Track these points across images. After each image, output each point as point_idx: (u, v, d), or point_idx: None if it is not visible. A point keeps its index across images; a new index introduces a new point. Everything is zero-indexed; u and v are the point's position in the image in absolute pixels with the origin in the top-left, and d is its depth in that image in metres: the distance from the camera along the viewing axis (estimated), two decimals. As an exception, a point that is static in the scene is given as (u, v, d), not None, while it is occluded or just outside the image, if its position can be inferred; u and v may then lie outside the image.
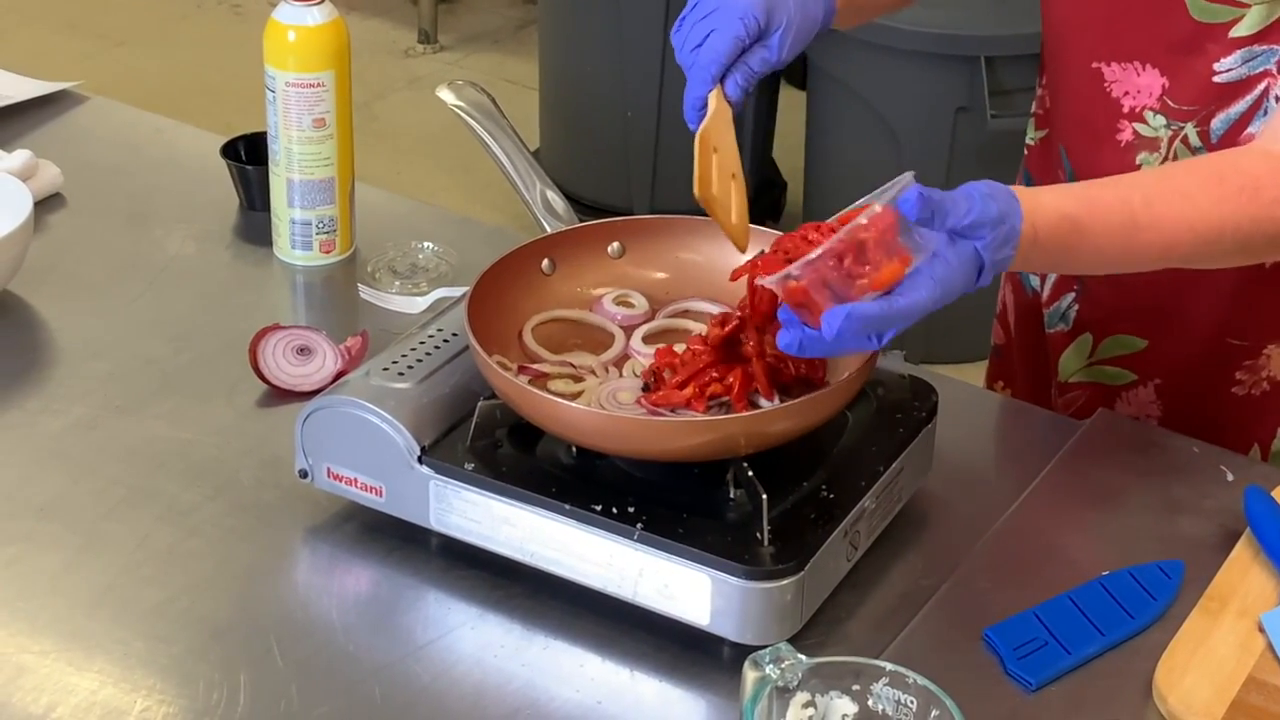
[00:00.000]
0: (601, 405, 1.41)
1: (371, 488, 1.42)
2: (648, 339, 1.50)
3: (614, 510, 1.33)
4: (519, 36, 4.95)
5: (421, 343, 1.47)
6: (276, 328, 1.64)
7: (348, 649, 1.35)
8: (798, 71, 4.15)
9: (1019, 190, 1.31)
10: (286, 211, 1.82)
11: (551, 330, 1.51)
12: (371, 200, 1.91)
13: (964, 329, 3.19)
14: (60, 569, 1.42)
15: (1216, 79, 1.52)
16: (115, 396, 1.62)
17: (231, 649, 1.34)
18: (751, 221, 1.47)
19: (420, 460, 1.39)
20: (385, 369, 1.43)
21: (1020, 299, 1.81)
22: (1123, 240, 1.36)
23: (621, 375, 1.47)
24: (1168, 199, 1.37)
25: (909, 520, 1.47)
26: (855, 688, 1.18)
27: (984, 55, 3.31)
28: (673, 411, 1.39)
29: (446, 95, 1.63)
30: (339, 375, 1.60)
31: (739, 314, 1.40)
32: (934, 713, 1.15)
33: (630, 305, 1.54)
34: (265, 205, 1.86)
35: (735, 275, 1.39)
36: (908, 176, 1.27)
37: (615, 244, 1.56)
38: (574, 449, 1.40)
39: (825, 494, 1.37)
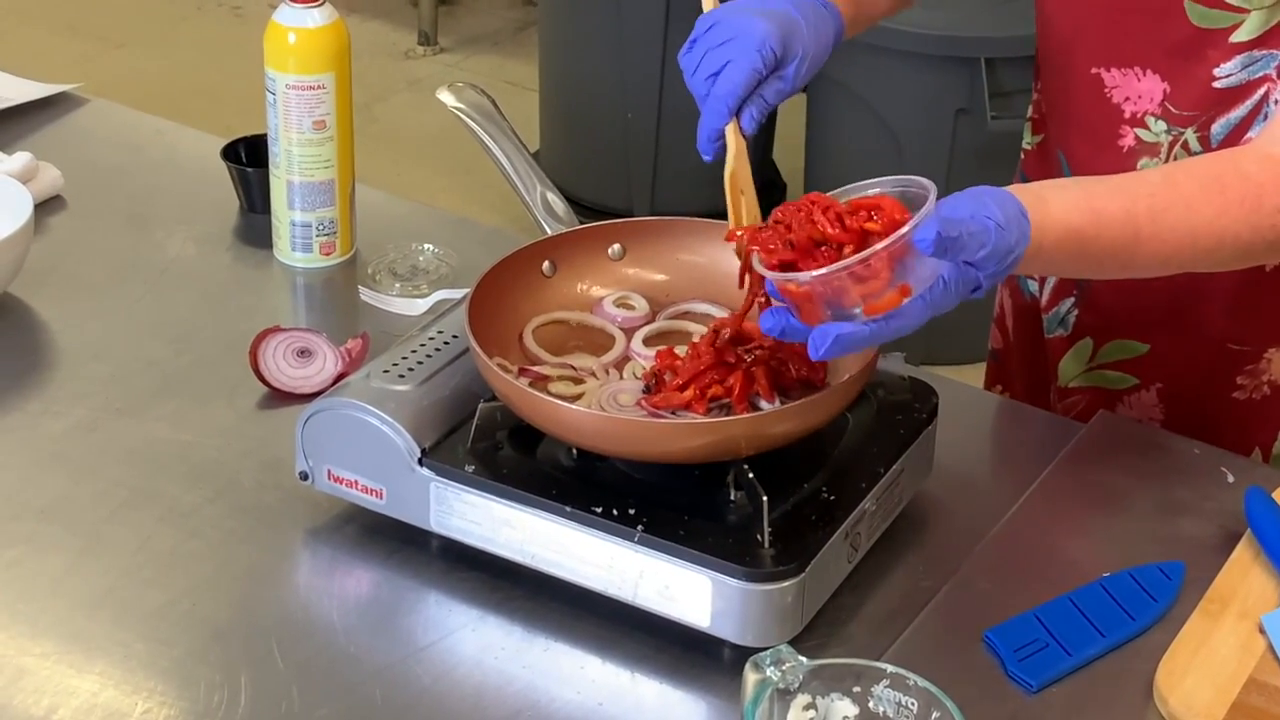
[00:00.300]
0: (602, 407, 1.41)
1: (372, 490, 1.42)
2: (648, 341, 1.51)
3: (614, 512, 1.33)
4: (519, 38, 4.95)
5: (422, 345, 1.47)
6: (277, 330, 1.64)
7: (348, 651, 1.35)
8: (798, 73, 4.15)
9: (1027, 200, 1.29)
10: (287, 213, 1.82)
11: (552, 332, 1.51)
12: (372, 202, 1.91)
13: (964, 331, 3.19)
14: (61, 571, 1.42)
15: (1216, 84, 1.52)
16: (116, 399, 1.62)
17: (232, 651, 1.34)
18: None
19: (421, 462, 1.39)
20: (386, 371, 1.43)
21: (1018, 303, 1.81)
22: (1125, 252, 1.36)
23: (622, 377, 1.47)
24: (1171, 210, 1.36)
25: (909, 522, 1.47)
26: (856, 690, 1.18)
27: (984, 57, 3.31)
28: (673, 413, 1.39)
29: (447, 97, 1.63)
30: (339, 377, 1.60)
31: (730, 325, 1.40)
32: (935, 715, 1.15)
33: (631, 307, 1.54)
34: (265, 207, 1.86)
35: (730, 236, 1.37)
36: (931, 199, 1.24)
37: (616, 246, 1.56)
38: (574, 451, 1.40)
39: (826, 496, 1.37)
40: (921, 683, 1.16)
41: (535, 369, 1.46)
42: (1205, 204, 1.37)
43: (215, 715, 1.28)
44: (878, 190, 1.30)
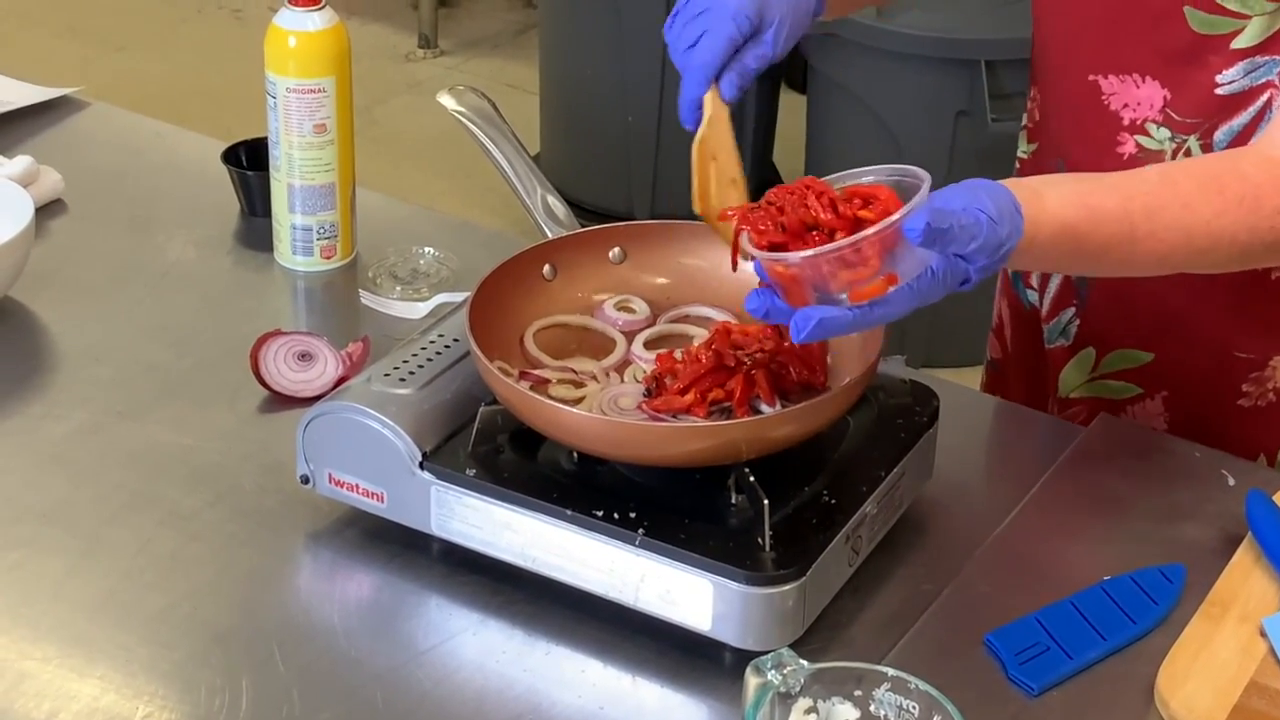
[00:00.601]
0: (603, 411, 1.41)
1: (373, 493, 1.42)
2: (649, 344, 1.50)
3: (615, 516, 1.33)
4: (519, 41, 4.95)
5: (423, 348, 1.47)
6: (278, 333, 1.64)
7: (349, 654, 1.35)
8: (798, 75, 4.16)
9: (1022, 195, 1.29)
10: (287, 217, 1.82)
11: (553, 336, 1.51)
12: (372, 205, 1.91)
13: (965, 333, 3.20)
14: (62, 574, 1.42)
15: (1219, 91, 1.52)
16: (117, 402, 1.62)
17: (233, 654, 1.34)
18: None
19: (422, 466, 1.39)
20: (386, 375, 1.43)
21: (1018, 313, 1.80)
22: (1120, 251, 1.35)
23: (623, 381, 1.47)
24: (1168, 209, 1.36)
25: (910, 525, 1.47)
26: (857, 693, 1.18)
27: (984, 59, 3.31)
28: (674, 417, 1.39)
29: (447, 101, 1.63)
30: (340, 381, 1.60)
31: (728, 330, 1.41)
32: (936, 718, 1.15)
33: (631, 310, 1.54)
34: (266, 211, 1.86)
35: (723, 216, 1.37)
36: (924, 189, 1.24)
37: (616, 249, 1.56)
38: (575, 454, 1.40)
39: (827, 499, 1.37)
40: (923, 686, 1.16)
41: (536, 372, 1.46)
42: (1203, 204, 1.37)
43: (216, 719, 1.28)
44: (873, 179, 1.30)
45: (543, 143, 4.07)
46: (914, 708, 1.16)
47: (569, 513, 1.34)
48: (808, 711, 1.17)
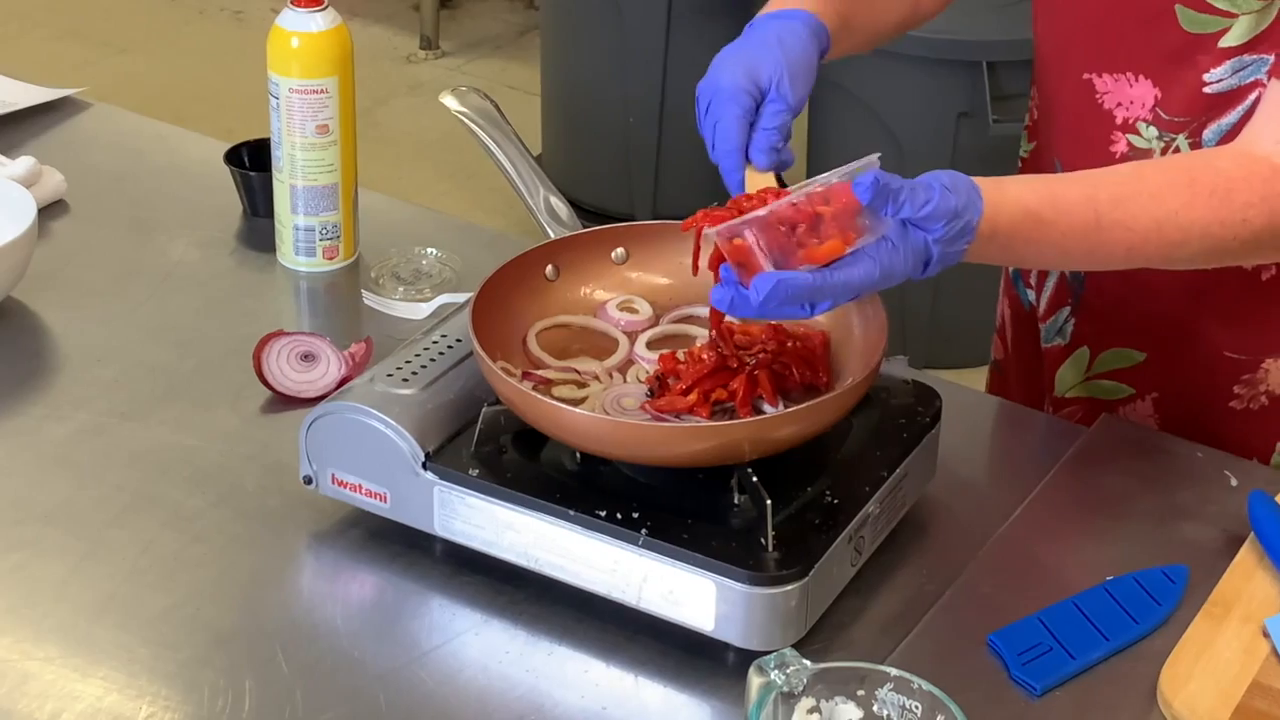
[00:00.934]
0: (606, 411, 1.41)
1: (376, 494, 1.42)
2: (652, 345, 1.51)
3: (618, 516, 1.33)
4: (521, 42, 4.95)
5: (425, 349, 1.47)
6: (280, 334, 1.64)
7: (352, 655, 1.35)
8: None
9: (983, 182, 1.31)
10: (290, 218, 1.82)
11: (555, 336, 1.51)
12: (374, 206, 1.91)
13: (966, 334, 3.20)
14: (65, 575, 1.42)
15: (1207, 89, 1.52)
16: (119, 403, 1.62)
17: (236, 655, 1.34)
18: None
19: (425, 466, 1.39)
20: (389, 375, 1.44)
21: (1017, 313, 1.80)
22: (1086, 239, 1.36)
23: (626, 381, 1.47)
24: (1135, 198, 1.37)
25: (913, 526, 1.47)
26: (860, 693, 1.18)
27: (986, 60, 3.31)
28: (677, 417, 1.39)
29: (450, 102, 1.64)
30: (343, 381, 1.60)
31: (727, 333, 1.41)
32: (939, 718, 1.15)
33: (634, 311, 1.54)
34: (268, 211, 1.86)
35: (685, 226, 1.38)
36: (872, 158, 1.26)
37: (619, 250, 1.56)
38: (578, 455, 1.40)
39: (829, 500, 1.37)
40: (926, 686, 1.16)
41: (539, 373, 1.46)
42: (1172, 195, 1.37)
43: (219, 719, 1.28)
44: (838, 179, 1.30)
45: (544, 144, 4.07)
46: (917, 708, 1.16)
47: (572, 513, 1.34)
48: (810, 711, 1.17)
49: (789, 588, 1.30)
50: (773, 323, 1.43)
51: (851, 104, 3.48)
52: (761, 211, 1.25)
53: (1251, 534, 1.43)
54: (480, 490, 1.37)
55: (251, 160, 1.93)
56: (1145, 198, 1.37)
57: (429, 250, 1.84)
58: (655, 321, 1.54)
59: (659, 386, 1.42)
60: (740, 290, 1.27)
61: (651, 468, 1.38)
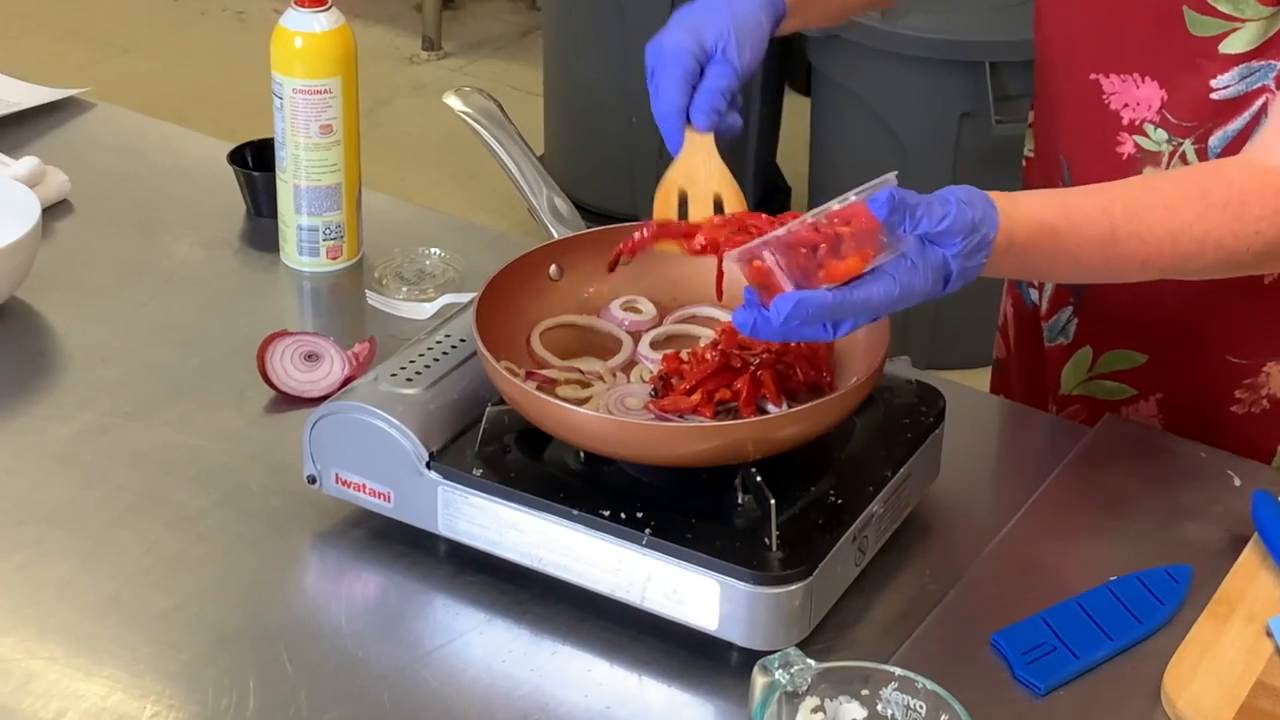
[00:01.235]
0: (610, 411, 1.41)
1: (380, 493, 1.42)
2: (655, 344, 1.51)
3: (622, 516, 1.33)
4: (523, 43, 4.95)
5: (429, 348, 1.47)
6: (284, 334, 1.64)
7: (356, 654, 1.35)
8: (802, 78, 4.16)
9: (998, 196, 1.30)
10: (294, 218, 1.82)
11: (559, 336, 1.51)
12: (378, 206, 1.91)
13: (969, 335, 3.20)
14: (69, 575, 1.42)
15: (1214, 95, 1.51)
16: (123, 403, 1.62)
17: (240, 655, 1.34)
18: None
19: (428, 466, 1.39)
20: (393, 375, 1.44)
21: (1020, 312, 1.80)
22: (1101, 251, 1.35)
23: (629, 381, 1.47)
24: (1150, 211, 1.36)
25: (916, 525, 1.47)
26: (864, 692, 1.18)
27: (988, 61, 3.31)
28: (681, 417, 1.39)
29: (454, 102, 1.64)
30: (347, 381, 1.61)
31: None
32: (943, 717, 1.15)
33: (638, 311, 1.54)
34: (272, 211, 1.86)
35: (702, 251, 1.37)
36: (890, 176, 1.26)
37: (623, 250, 1.56)
38: (582, 454, 1.40)
39: (833, 499, 1.37)
40: (930, 685, 1.16)
41: (543, 373, 1.46)
42: (1186, 207, 1.37)
43: (223, 719, 1.28)
44: (855, 198, 1.30)
45: (546, 144, 4.07)
46: (921, 707, 1.16)
47: (576, 512, 1.34)
48: (814, 710, 1.17)
49: (793, 587, 1.30)
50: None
51: (854, 105, 3.48)
52: (780, 231, 1.25)
53: (1255, 534, 1.43)
54: (484, 490, 1.37)
55: (255, 160, 1.93)
56: (1160, 210, 1.36)
57: (432, 250, 1.84)
58: (659, 321, 1.54)
59: (663, 386, 1.42)
60: (762, 312, 1.26)
61: (655, 467, 1.38)
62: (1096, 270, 1.40)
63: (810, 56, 3.59)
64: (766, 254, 1.25)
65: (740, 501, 1.36)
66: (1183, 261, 1.38)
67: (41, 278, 1.77)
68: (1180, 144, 1.54)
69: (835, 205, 1.26)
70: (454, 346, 1.48)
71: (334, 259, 1.84)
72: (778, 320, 1.24)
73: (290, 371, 1.63)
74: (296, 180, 1.80)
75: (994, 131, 3.30)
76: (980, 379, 1.93)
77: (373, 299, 1.79)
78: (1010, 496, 1.51)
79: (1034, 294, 1.76)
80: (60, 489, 1.51)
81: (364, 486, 1.43)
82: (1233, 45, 1.49)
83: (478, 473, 1.38)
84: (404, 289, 1.80)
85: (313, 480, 1.45)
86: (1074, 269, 1.41)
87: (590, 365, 1.48)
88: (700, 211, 1.43)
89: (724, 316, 1.52)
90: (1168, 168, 1.55)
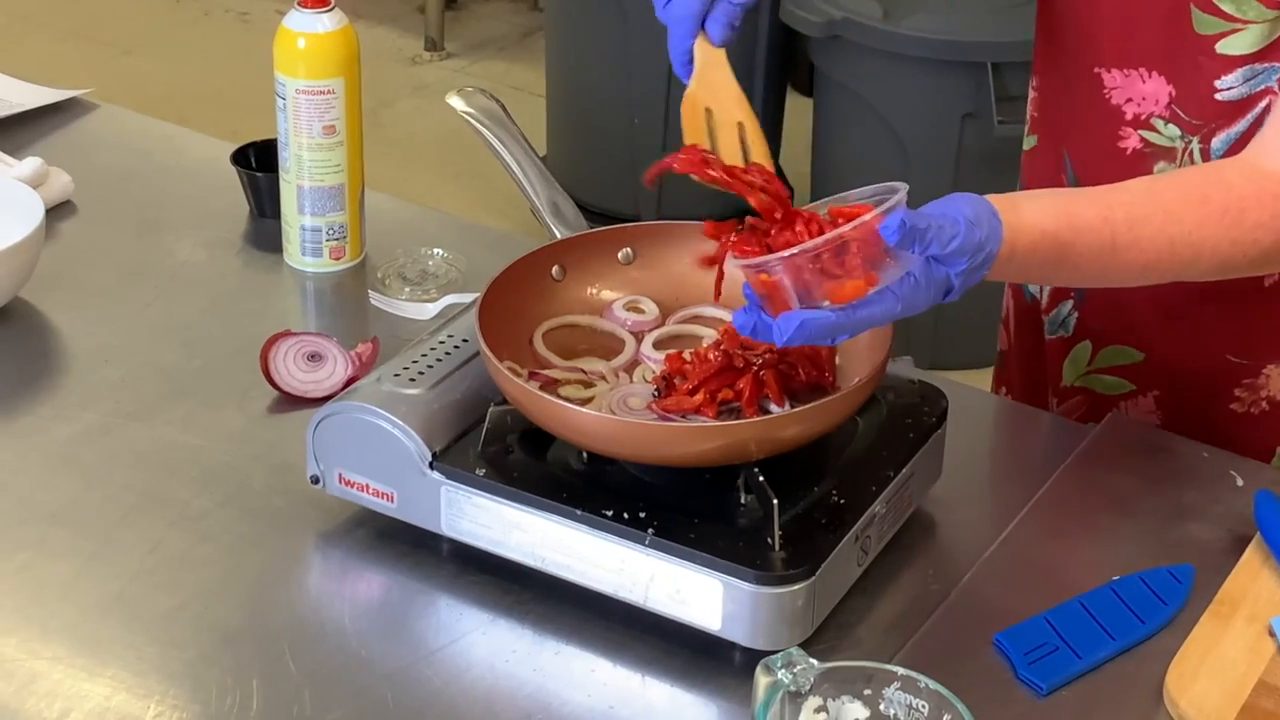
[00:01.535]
0: (612, 410, 1.41)
1: (383, 493, 1.42)
2: (658, 345, 1.51)
3: (625, 516, 1.33)
4: (525, 43, 4.95)
5: (432, 349, 1.48)
6: (287, 334, 1.64)
7: (359, 654, 1.35)
8: (804, 78, 4.16)
9: (999, 202, 1.30)
10: (297, 218, 1.82)
11: (562, 336, 1.52)
12: (380, 207, 1.91)
13: (971, 335, 3.20)
14: (72, 575, 1.42)
15: (1219, 96, 1.52)
16: (126, 403, 1.62)
17: (243, 654, 1.34)
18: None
19: (431, 466, 1.39)
20: (396, 375, 1.44)
21: (1020, 304, 1.80)
22: (1101, 260, 1.35)
23: (632, 381, 1.47)
24: (1151, 219, 1.36)
25: (919, 525, 1.47)
26: (867, 692, 1.18)
27: (990, 61, 3.31)
28: (683, 417, 1.39)
29: (456, 102, 1.64)
30: (350, 381, 1.61)
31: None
32: (946, 717, 1.15)
33: (640, 311, 1.54)
34: (275, 212, 1.86)
35: (715, 255, 1.35)
36: (901, 194, 1.25)
37: (626, 250, 1.57)
38: (585, 454, 1.40)
39: (836, 499, 1.37)
40: (932, 685, 1.16)
41: (545, 373, 1.46)
42: (1186, 214, 1.37)
43: (227, 718, 1.29)
44: (856, 199, 1.30)
45: (549, 145, 4.07)
46: (924, 707, 1.16)
47: (578, 512, 1.34)
48: (817, 710, 1.17)
49: (795, 587, 1.30)
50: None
51: (856, 105, 3.48)
52: (792, 251, 1.25)
53: (1257, 534, 1.43)
54: (487, 490, 1.37)
55: (258, 161, 1.93)
56: (1161, 217, 1.36)
57: (435, 251, 1.84)
58: (662, 321, 1.54)
59: (665, 386, 1.42)
60: (763, 318, 1.27)
61: (658, 467, 1.38)
62: (1095, 276, 1.40)
63: (812, 57, 3.59)
64: (775, 270, 1.25)
65: (743, 501, 1.36)
66: (1181, 267, 1.38)
67: (45, 278, 1.78)
68: (1190, 141, 1.54)
69: (849, 228, 1.24)
70: (457, 347, 1.48)
71: (337, 259, 1.84)
72: (781, 338, 1.25)
73: (293, 372, 1.63)
74: (299, 181, 1.80)
75: (996, 132, 3.30)
76: (982, 379, 1.93)
77: (376, 299, 1.79)
78: (1012, 496, 1.51)
79: (1034, 288, 1.76)
80: (63, 489, 1.52)
81: (367, 486, 1.43)
82: (1231, 46, 1.49)
83: (481, 473, 1.38)
84: (407, 289, 1.80)
85: (316, 480, 1.45)
86: (1073, 275, 1.41)
87: (593, 365, 1.48)
88: (726, 138, 1.42)
89: (726, 316, 1.52)
90: (1181, 164, 1.55)
